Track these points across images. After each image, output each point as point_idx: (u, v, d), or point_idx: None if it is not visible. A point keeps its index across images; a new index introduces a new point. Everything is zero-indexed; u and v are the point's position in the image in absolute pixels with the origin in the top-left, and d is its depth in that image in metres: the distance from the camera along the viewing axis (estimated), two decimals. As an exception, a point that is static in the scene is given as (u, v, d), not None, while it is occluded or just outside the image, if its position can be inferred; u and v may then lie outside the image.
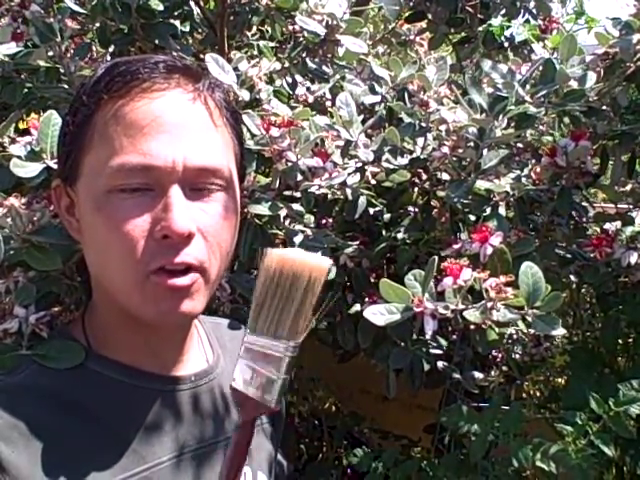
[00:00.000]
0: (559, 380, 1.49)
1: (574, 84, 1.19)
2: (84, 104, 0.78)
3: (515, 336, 1.36)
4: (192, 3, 1.68)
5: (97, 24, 1.35)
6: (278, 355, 0.76)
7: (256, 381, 0.76)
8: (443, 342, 1.39)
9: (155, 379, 0.85)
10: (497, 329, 1.08)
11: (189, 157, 0.76)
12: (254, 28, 1.84)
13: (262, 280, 0.77)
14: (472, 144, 1.17)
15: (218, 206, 0.80)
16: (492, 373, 1.51)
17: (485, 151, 1.19)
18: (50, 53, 1.26)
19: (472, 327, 1.05)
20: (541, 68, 1.20)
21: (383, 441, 1.82)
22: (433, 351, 1.33)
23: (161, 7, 1.30)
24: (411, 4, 1.95)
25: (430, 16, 1.84)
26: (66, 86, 1.24)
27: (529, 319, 0.94)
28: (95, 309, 0.86)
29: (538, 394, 1.54)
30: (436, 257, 0.96)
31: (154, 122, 0.75)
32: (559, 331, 0.95)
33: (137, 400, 0.83)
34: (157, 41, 1.33)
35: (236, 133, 0.86)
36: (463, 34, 1.87)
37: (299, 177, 1.22)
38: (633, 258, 1.21)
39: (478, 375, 1.45)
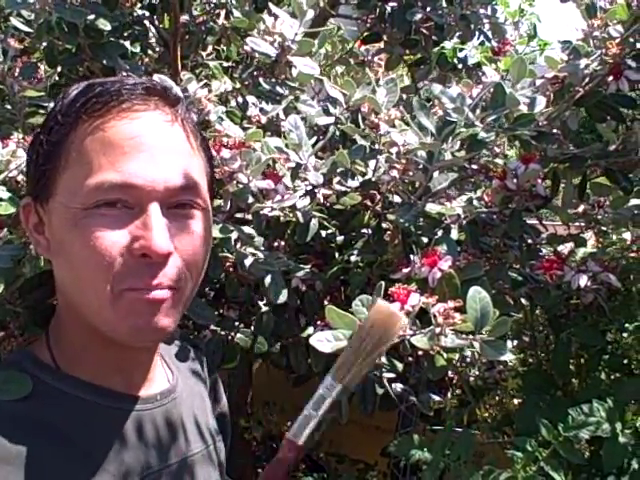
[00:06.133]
0: (514, 402, 1.49)
1: (524, 108, 1.19)
2: (59, 123, 0.77)
3: (469, 359, 1.36)
4: (147, 22, 1.67)
5: (44, 43, 1.32)
6: (321, 393, 0.79)
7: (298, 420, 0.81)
8: (398, 365, 1.38)
9: (124, 399, 0.84)
10: (445, 355, 1.07)
11: (169, 177, 0.76)
12: (209, 48, 1.84)
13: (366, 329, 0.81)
14: (421, 167, 1.16)
15: (195, 226, 0.80)
16: (448, 395, 1.50)
17: (436, 174, 1.19)
18: (-7, 73, 1.24)
19: (420, 353, 1.04)
20: (491, 92, 1.20)
21: (339, 465, 1.80)
22: (386, 375, 1.32)
23: (109, 27, 1.28)
24: (367, 25, 1.96)
25: (385, 37, 1.84)
26: (9, 106, 1.22)
27: (477, 345, 0.93)
28: (61, 328, 0.84)
29: (492, 417, 1.54)
30: (383, 282, 0.94)
31: (133, 141, 0.75)
32: (507, 356, 0.94)
33: (107, 420, 0.82)
34: (105, 61, 1.30)
35: (208, 158, 0.87)
36: (419, 55, 1.88)
37: (250, 199, 1.21)
38: (582, 281, 1.21)
39: (433, 398, 1.44)
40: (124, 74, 1.34)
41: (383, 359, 1.39)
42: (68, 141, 0.76)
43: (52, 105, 0.82)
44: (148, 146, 0.76)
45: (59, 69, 1.39)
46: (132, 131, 0.75)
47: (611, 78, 1.20)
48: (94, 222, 0.73)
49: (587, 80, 1.22)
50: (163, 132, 0.78)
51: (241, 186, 1.21)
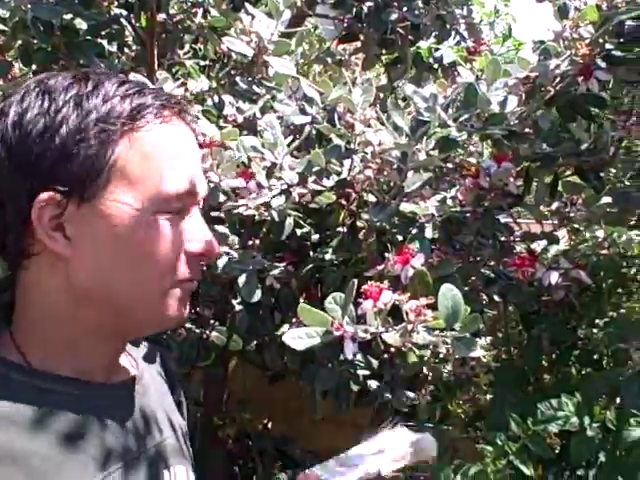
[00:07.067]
0: (487, 397, 1.51)
1: (496, 108, 1.20)
2: (102, 128, 0.77)
3: (442, 355, 1.37)
4: (123, 21, 1.67)
5: (19, 42, 1.32)
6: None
7: None
8: (374, 362, 1.39)
9: (102, 387, 0.86)
10: (417, 351, 1.08)
11: (205, 185, 0.85)
12: (186, 47, 1.84)
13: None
14: (396, 167, 1.18)
15: None
16: (422, 392, 1.52)
17: (410, 174, 1.20)
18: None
19: (393, 350, 1.05)
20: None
21: (315, 461, 1.81)
22: (361, 372, 1.33)
23: (85, 25, 1.27)
24: (345, 25, 1.97)
25: (362, 37, 1.85)
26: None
27: (448, 341, 0.95)
28: (45, 326, 0.83)
29: (465, 412, 1.55)
30: (355, 280, 0.95)
31: (186, 151, 0.82)
32: (477, 352, 0.96)
33: (85, 409, 0.82)
34: (81, 60, 1.30)
35: None
36: (395, 55, 1.89)
37: (222, 198, 1.21)
38: (553, 278, 1.23)
39: (409, 394, 1.45)
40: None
41: (358, 356, 1.41)
42: (116, 147, 0.77)
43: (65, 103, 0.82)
44: (194, 155, 0.83)
45: (34, 67, 1.38)
46: (184, 141, 0.82)
47: (581, 78, 1.22)
48: (157, 226, 0.79)
49: (558, 80, 1.24)
50: (195, 143, 0.85)
51: (212, 185, 1.22)
